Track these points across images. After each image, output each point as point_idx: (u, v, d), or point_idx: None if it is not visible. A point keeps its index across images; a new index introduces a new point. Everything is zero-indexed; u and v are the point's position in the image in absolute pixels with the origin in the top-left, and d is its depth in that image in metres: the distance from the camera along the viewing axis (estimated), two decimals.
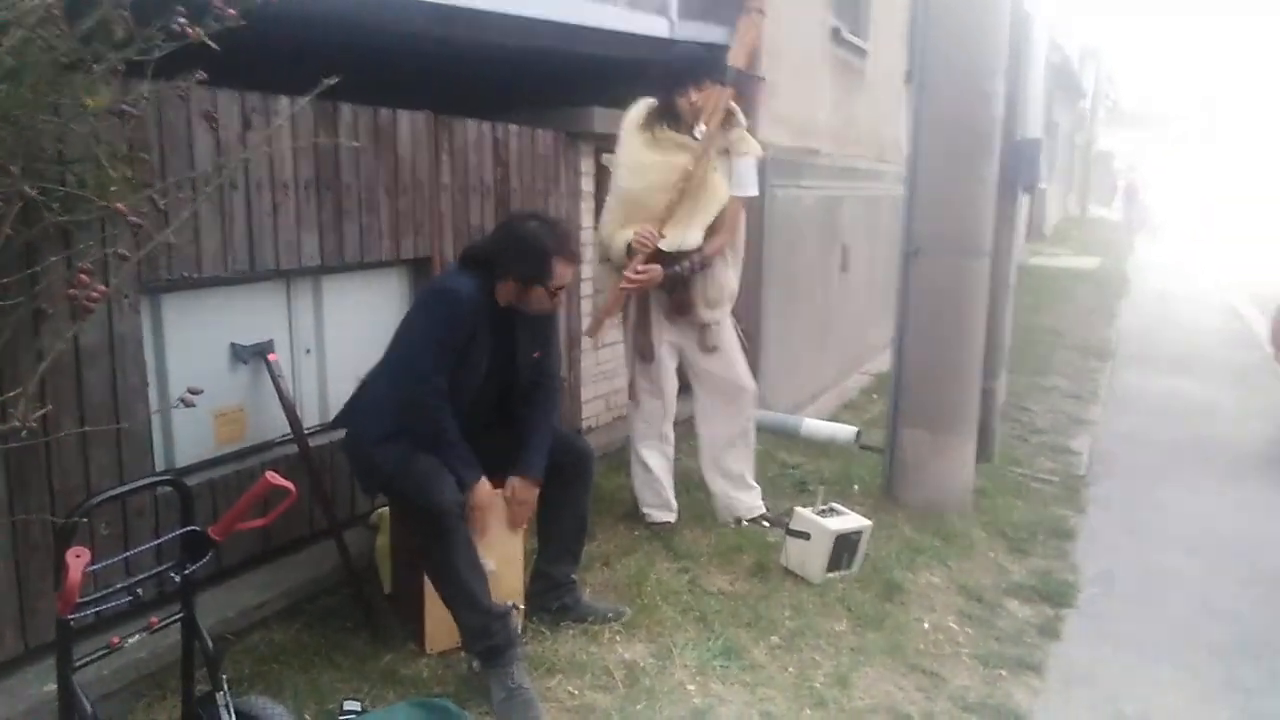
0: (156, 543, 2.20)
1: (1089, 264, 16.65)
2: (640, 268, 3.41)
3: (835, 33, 6.43)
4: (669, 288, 3.53)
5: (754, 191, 3.67)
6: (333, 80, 1.97)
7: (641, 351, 3.66)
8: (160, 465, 2.65)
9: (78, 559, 1.58)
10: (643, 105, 3.55)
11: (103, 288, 1.82)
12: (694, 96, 3.42)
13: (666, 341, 3.66)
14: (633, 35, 4.20)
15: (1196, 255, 20.97)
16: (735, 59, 3.51)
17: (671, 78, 3.45)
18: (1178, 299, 13.33)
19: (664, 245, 3.42)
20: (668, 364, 3.69)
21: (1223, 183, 39.46)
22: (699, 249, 3.48)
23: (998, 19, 3.96)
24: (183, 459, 2.74)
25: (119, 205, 1.82)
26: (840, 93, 6.79)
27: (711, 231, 3.51)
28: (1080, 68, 24.27)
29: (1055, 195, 24.70)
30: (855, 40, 6.86)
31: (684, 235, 3.45)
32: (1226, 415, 6.81)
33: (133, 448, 2.45)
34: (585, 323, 4.37)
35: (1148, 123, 41.13)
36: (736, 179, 3.57)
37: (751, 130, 3.73)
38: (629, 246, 3.44)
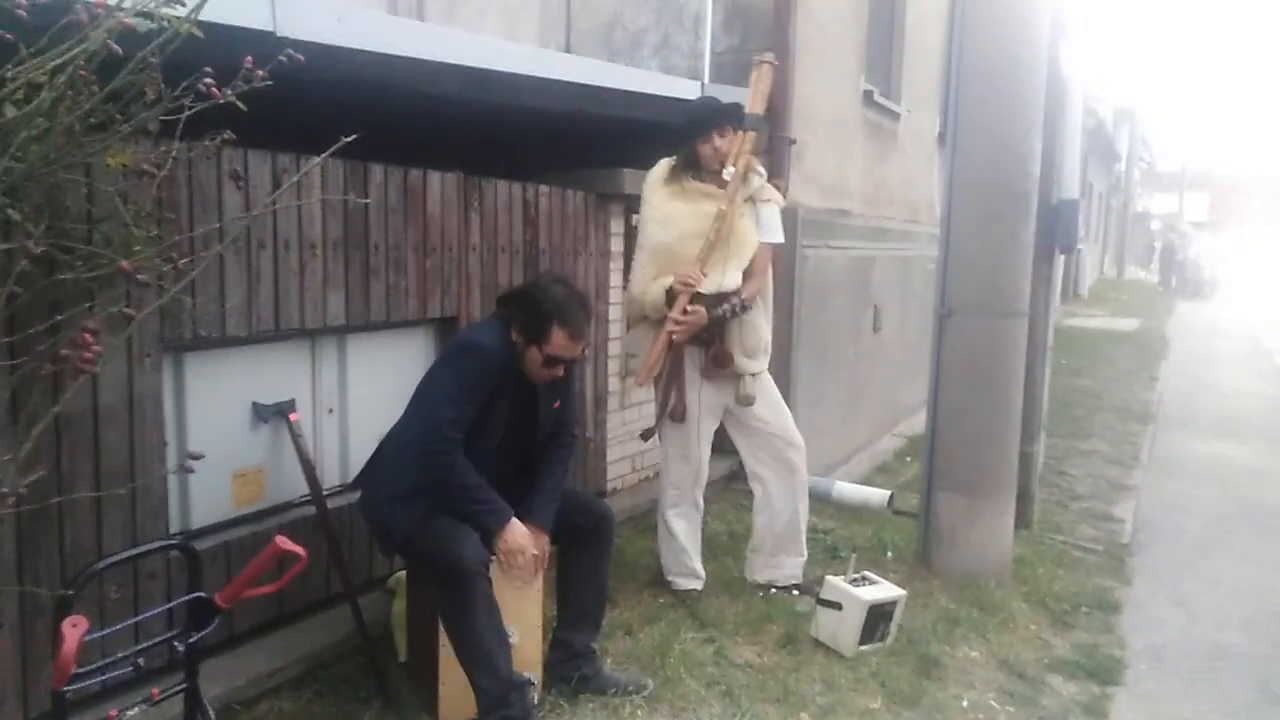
0: (158, 611, 2.15)
1: (1127, 325, 16.38)
2: (687, 307, 3.37)
3: (867, 96, 6.44)
4: (711, 332, 3.46)
5: (780, 238, 3.67)
6: (353, 137, 1.96)
7: (673, 413, 3.57)
8: (176, 527, 2.61)
9: (74, 628, 1.53)
10: (664, 164, 3.58)
11: (98, 349, 1.78)
12: (717, 141, 3.44)
13: (703, 402, 3.56)
14: (665, 98, 4.22)
15: (1241, 316, 20.56)
16: (752, 107, 3.55)
17: (694, 125, 3.48)
18: (1220, 361, 13.01)
19: (703, 288, 3.38)
20: (703, 427, 3.59)
21: (1271, 242, 38.82)
22: (737, 291, 3.44)
23: (1034, 79, 3.93)
24: (199, 520, 2.70)
25: (124, 263, 1.80)
26: (872, 154, 6.79)
27: (745, 278, 3.47)
28: (1114, 130, 24.23)
29: (1092, 256, 24.48)
30: (887, 103, 6.88)
31: (722, 278, 3.41)
32: (1277, 482, 6.56)
33: (147, 509, 2.41)
34: (611, 383, 4.32)
35: (1186, 184, 40.77)
36: (764, 226, 3.56)
37: (782, 190, 3.73)
38: (668, 291, 3.39)
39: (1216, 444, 7.72)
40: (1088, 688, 3.29)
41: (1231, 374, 11.87)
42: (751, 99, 3.56)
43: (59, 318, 1.95)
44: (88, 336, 1.77)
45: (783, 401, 3.70)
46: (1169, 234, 32.60)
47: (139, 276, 1.87)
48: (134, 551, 1.93)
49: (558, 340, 2.63)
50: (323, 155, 2.00)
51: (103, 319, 2.09)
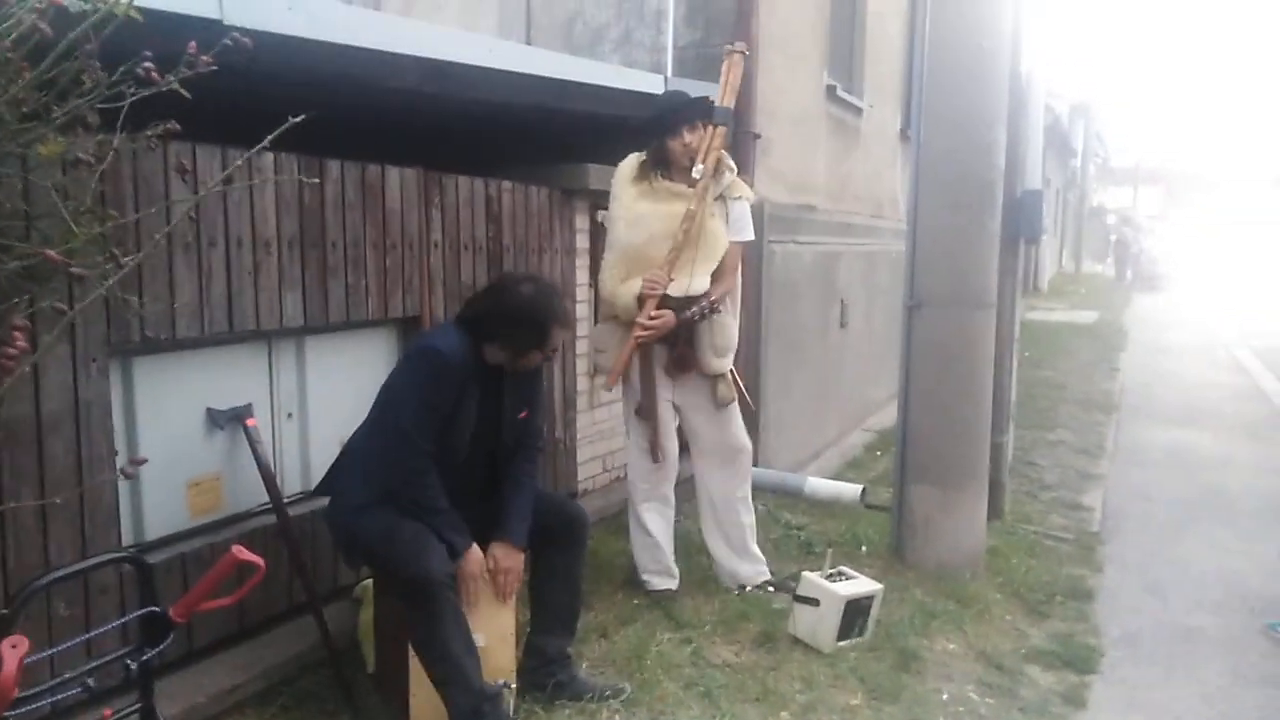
0: (109, 628, 2.04)
1: (1087, 318, 16.61)
2: (653, 313, 3.32)
3: (831, 90, 6.43)
4: (678, 337, 3.41)
5: (750, 236, 3.62)
6: (300, 118, 1.87)
7: (641, 411, 3.52)
8: (129, 540, 2.49)
9: (13, 650, 1.43)
10: (633, 159, 3.51)
11: (23, 346, 1.67)
12: (687, 137, 3.39)
13: (666, 400, 3.53)
14: (628, 92, 4.16)
15: (1195, 308, 20.95)
16: (722, 99, 3.49)
17: (662, 121, 3.42)
18: (1179, 352, 13.22)
19: (672, 291, 3.34)
20: (669, 423, 3.55)
21: (1223, 235, 39.63)
22: (706, 294, 3.39)
23: (998, 69, 3.92)
24: (153, 532, 2.58)
25: (50, 253, 1.69)
26: (837, 150, 6.78)
27: (714, 278, 3.42)
28: (1070, 125, 24.58)
29: (1050, 251, 24.80)
30: (850, 98, 6.88)
31: (690, 281, 3.37)
32: (1241, 469, 6.65)
33: (97, 522, 2.30)
34: (580, 382, 4.25)
35: (1140, 178, 41.48)
36: (734, 224, 3.51)
37: (749, 185, 3.68)
38: (638, 297, 3.34)
39: (1179, 432, 7.82)
40: (1065, 677, 3.29)
41: (1189, 364, 12.06)
42: (721, 92, 3.51)
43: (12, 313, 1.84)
44: (16, 334, 1.66)
45: (736, 406, 3.61)
46: (1123, 227, 33.19)
47: (73, 270, 1.75)
48: (79, 566, 1.82)
49: (556, 336, 2.66)
50: (267, 139, 1.88)
51: (33, 319, 1.98)
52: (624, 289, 3.40)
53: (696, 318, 3.38)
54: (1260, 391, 10.13)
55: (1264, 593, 4.25)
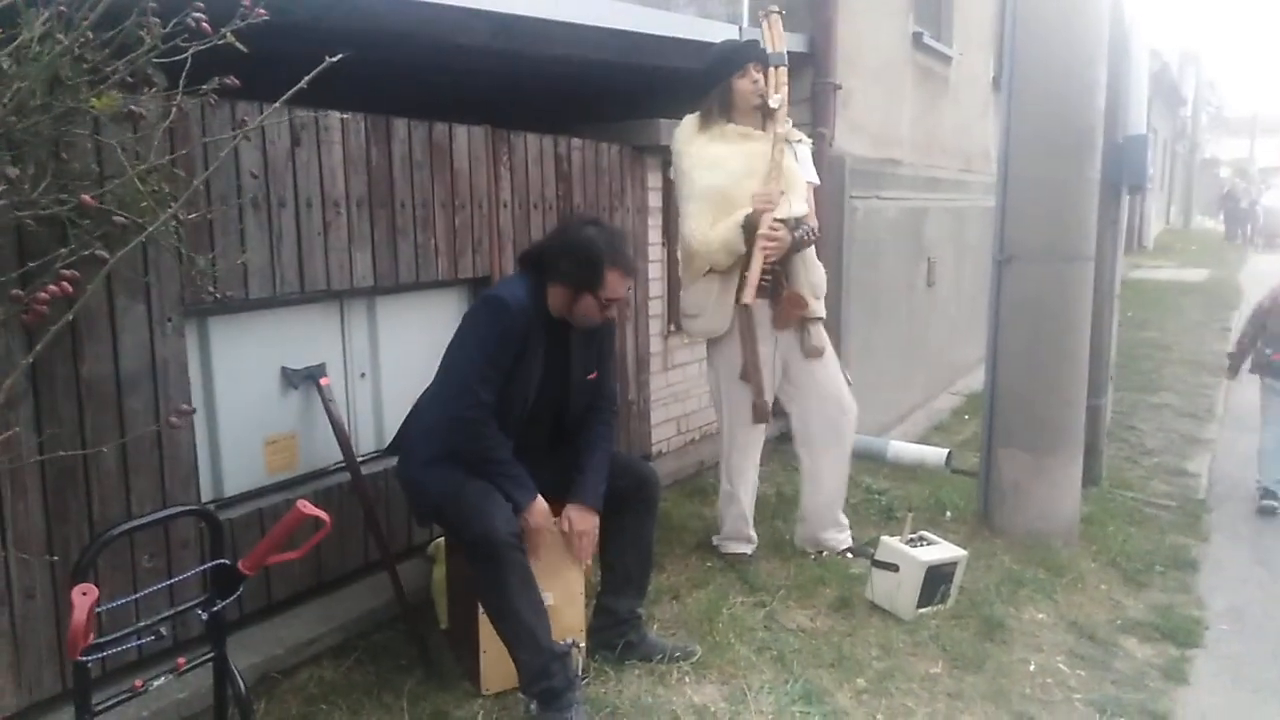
0: (180, 579, 2.09)
1: (1196, 276, 15.73)
2: (773, 224, 3.20)
3: (917, 38, 6.15)
4: (779, 283, 3.34)
5: (817, 180, 3.56)
6: (338, 57, 1.83)
7: (745, 373, 3.39)
8: (208, 495, 2.56)
9: (84, 597, 1.46)
10: (691, 118, 3.42)
11: (56, 291, 1.70)
12: (754, 74, 3.28)
13: (768, 358, 3.40)
14: (701, 44, 4.03)
15: None
16: (774, 47, 3.40)
17: (729, 63, 3.31)
18: None
19: (778, 214, 3.24)
20: (770, 382, 3.44)
21: None
22: (807, 217, 3.34)
23: (1097, 3, 3.65)
24: (231, 488, 2.64)
25: (85, 197, 1.70)
26: (923, 101, 6.50)
27: None
28: (1180, 74, 23.18)
29: (1157, 206, 23.53)
30: (938, 46, 6.57)
31: (790, 207, 3.29)
32: None
33: (176, 477, 2.35)
34: (654, 343, 4.19)
35: (1258, 128, 38.83)
36: (803, 165, 3.43)
37: (828, 139, 3.56)
38: (747, 217, 3.21)
39: None
40: (1164, 650, 3.11)
41: None
42: (771, 41, 3.41)
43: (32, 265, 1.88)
44: (56, 287, 1.68)
45: (838, 362, 3.54)
46: (1235, 179, 31.04)
47: (115, 218, 1.76)
48: (147, 519, 1.86)
49: (612, 281, 2.52)
50: (304, 79, 1.84)
51: (109, 280, 2.01)
52: (717, 231, 3.26)
53: (806, 238, 3.32)
54: None
55: None
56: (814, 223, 3.43)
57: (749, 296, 3.25)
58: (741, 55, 3.31)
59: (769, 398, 3.43)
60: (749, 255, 3.23)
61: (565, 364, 2.63)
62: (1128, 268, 14.55)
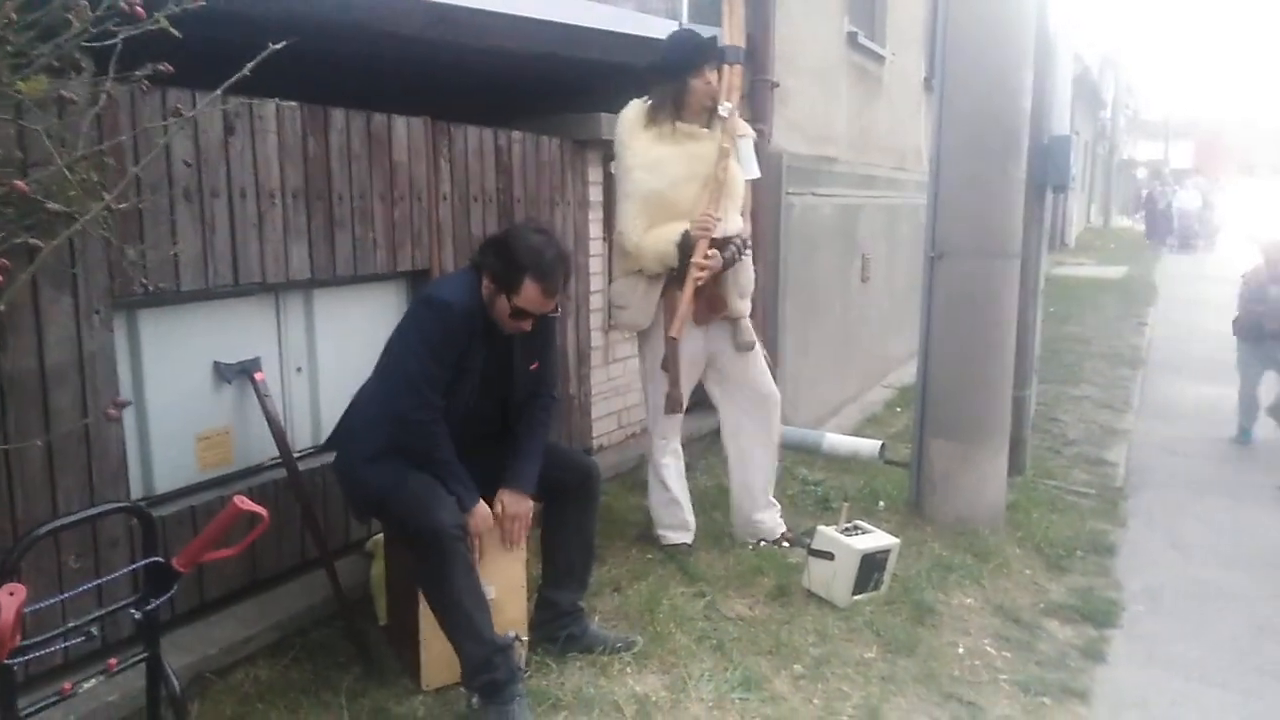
0: (111, 578, 2.03)
1: (1114, 273, 16.30)
2: (707, 251, 3.23)
3: (852, 38, 6.26)
4: (723, 271, 3.35)
5: (758, 173, 3.58)
6: (281, 45, 1.80)
7: (665, 364, 3.43)
8: (138, 493, 2.49)
9: (11, 597, 1.41)
10: (637, 104, 3.41)
11: None
12: (710, 76, 3.28)
13: (691, 351, 3.44)
14: (642, 39, 4.05)
15: (1227, 263, 20.50)
16: (731, 38, 3.40)
17: (686, 61, 3.29)
18: (1209, 307, 12.96)
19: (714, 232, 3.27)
20: (691, 376, 3.49)
21: (1262, 190, 38.36)
22: (739, 233, 3.36)
23: (1023, 9, 3.78)
24: (162, 485, 2.58)
25: (18, 183, 1.64)
26: (858, 99, 6.62)
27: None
28: (1100, 77, 23.96)
29: (1078, 205, 24.32)
30: (872, 46, 6.70)
31: (725, 223, 3.31)
32: (1269, 423, 6.50)
33: (104, 474, 2.29)
34: (594, 337, 4.20)
35: (1172, 131, 40.36)
36: (744, 162, 3.45)
37: (766, 135, 3.59)
38: (684, 236, 3.23)
39: (1206, 387, 7.68)
40: (1084, 631, 3.25)
41: (1220, 319, 11.78)
42: (728, 31, 3.40)
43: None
44: None
45: (763, 354, 3.61)
46: (1152, 183, 32.12)
47: (49, 207, 1.71)
48: (77, 516, 1.80)
49: (528, 293, 2.47)
50: (246, 67, 1.81)
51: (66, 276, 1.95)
52: (651, 239, 3.28)
53: (734, 257, 3.34)
54: None
55: None
56: (747, 230, 3.46)
57: (677, 330, 3.27)
58: (702, 56, 3.29)
59: (687, 389, 3.48)
60: (682, 272, 3.26)
61: (508, 355, 2.63)
62: (1051, 265, 15.03)
